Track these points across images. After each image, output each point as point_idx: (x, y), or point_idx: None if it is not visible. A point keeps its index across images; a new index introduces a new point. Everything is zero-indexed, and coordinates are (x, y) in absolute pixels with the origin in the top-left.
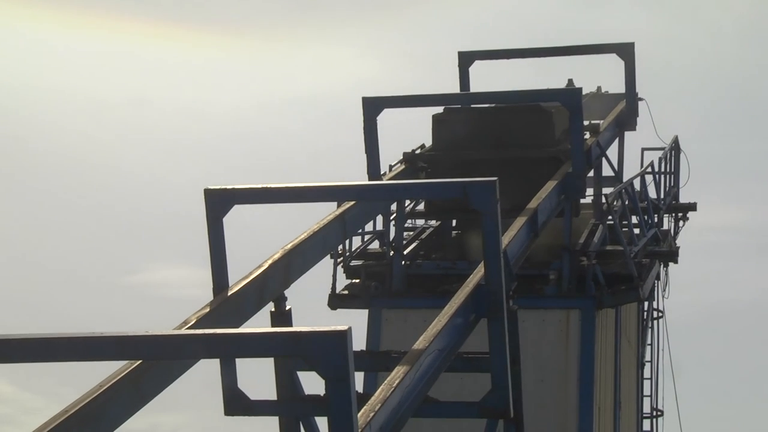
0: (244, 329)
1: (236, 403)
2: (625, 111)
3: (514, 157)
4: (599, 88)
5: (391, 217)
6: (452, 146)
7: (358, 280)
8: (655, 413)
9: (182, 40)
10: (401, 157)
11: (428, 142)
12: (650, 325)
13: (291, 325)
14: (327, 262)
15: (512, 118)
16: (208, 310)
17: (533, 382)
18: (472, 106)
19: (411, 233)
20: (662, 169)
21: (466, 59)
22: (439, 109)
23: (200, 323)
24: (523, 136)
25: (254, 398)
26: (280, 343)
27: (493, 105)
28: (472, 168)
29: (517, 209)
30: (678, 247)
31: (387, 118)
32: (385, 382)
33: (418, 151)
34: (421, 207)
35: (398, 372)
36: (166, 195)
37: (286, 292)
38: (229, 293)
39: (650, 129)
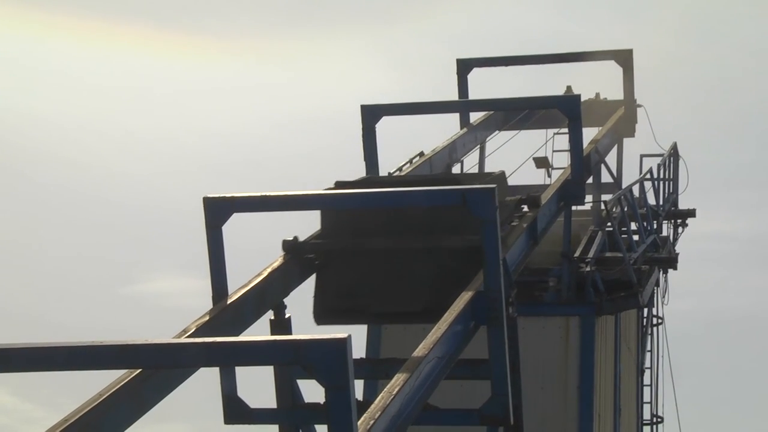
0: (244, 337)
1: (236, 411)
2: (623, 118)
3: (425, 246)
4: (598, 94)
5: None
6: (346, 232)
7: None
8: (655, 420)
9: (182, 51)
10: (283, 247)
11: (427, 149)
12: (650, 332)
13: (290, 333)
14: None
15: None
16: (207, 318)
17: (533, 389)
18: (374, 179)
19: None
20: (661, 176)
21: (464, 66)
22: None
23: (200, 332)
24: (438, 219)
25: (254, 406)
26: (280, 351)
27: (400, 178)
28: (373, 260)
29: (429, 312)
30: (677, 254)
31: (385, 126)
32: (385, 389)
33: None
34: None
35: (398, 380)
36: (166, 205)
37: (286, 300)
38: (229, 301)
39: (649, 136)
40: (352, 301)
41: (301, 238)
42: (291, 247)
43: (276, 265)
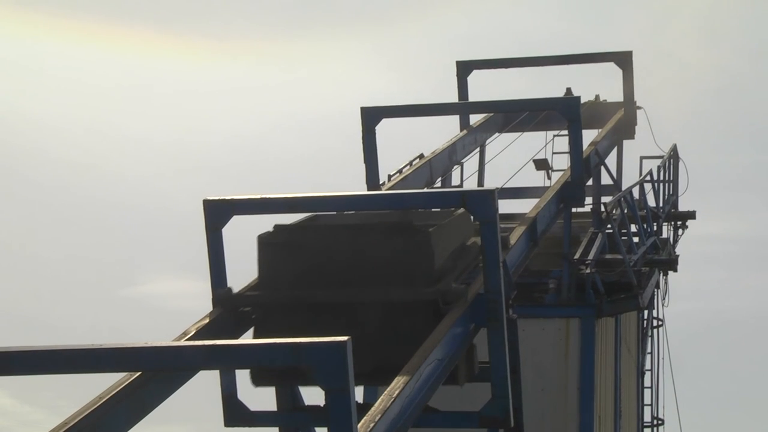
0: (244, 340)
1: (236, 414)
2: (623, 119)
3: (373, 300)
4: (597, 96)
5: None
6: (286, 283)
7: None
8: (655, 422)
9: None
10: (215, 300)
11: (427, 151)
12: (650, 334)
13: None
14: None
15: (372, 242)
16: (207, 320)
17: (533, 391)
18: (318, 224)
19: None
20: (661, 178)
21: (464, 68)
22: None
23: (200, 334)
24: (388, 269)
25: (254, 409)
26: (280, 354)
27: (346, 223)
28: (317, 314)
29: (380, 372)
30: (677, 256)
31: (385, 128)
32: (385, 392)
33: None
34: None
35: (398, 382)
36: (166, 206)
37: None
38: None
39: (649, 137)
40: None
41: (236, 289)
42: (224, 299)
43: (204, 322)
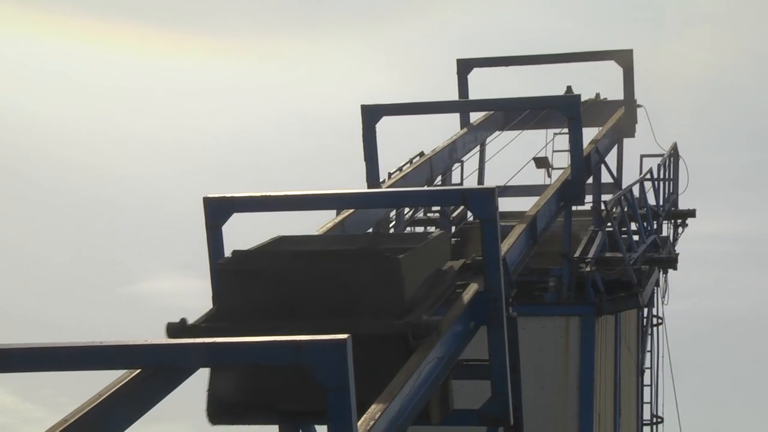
0: (244, 338)
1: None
2: (623, 118)
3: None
4: (598, 95)
5: (391, 225)
6: (245, 313)
7: None
8: (655, 420)
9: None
10: (168, 332)
11: (427, 149)
12: (650, 332)
13: None
14: None
15: (337, 269)
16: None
17: (533, 390)
18: (279, 250)
19: None
20: (661, 176)
21: (464, 67)
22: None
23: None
24: (354, 300)
25: None
26: (280, 352)
27: (310, 248)
28: None
29: None
30: (677, 254)
31: (386, 126)
32: (385, 390)
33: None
34: (420, 215)
35: (398, 380)
36: (166, 204)
37: None
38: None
39: (649, 136)
40: (253, 398)
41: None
42: (177, 331)
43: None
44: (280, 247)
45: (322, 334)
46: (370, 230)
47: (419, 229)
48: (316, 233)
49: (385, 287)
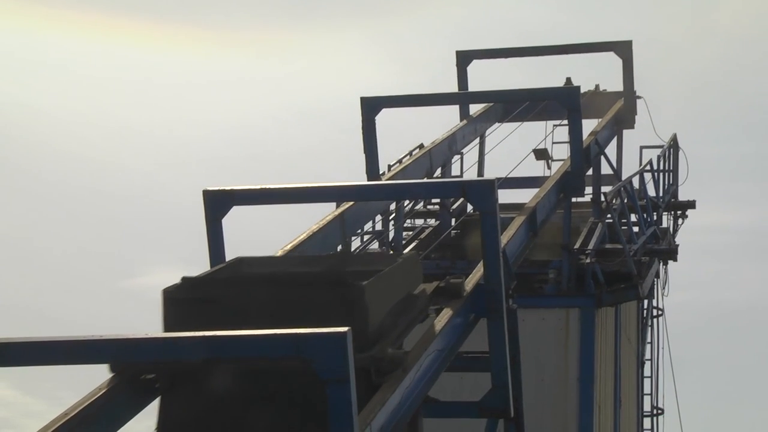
0: (244, 331)
1: None
2: (623, 109)
3: (291, 368)
4: (597, 86)
5: (390, 217)
6: None
7: None
8: (655, 411)
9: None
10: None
11: (427, 141)
12: (650, 324)
13: None
14: None
15: (295, 297)
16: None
17: (533, 381)
18: (233, 276)
19: (410, 233)
20: (661, 167)
21: (464, 58)
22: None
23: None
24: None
25: None
26: (281, 345)
27: (267, 274)
28: (232, 381)
29: None
30: (677, 245)
31: (385, 118)
32: (385, 383)
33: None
34: (420, 207)
35: (398, 374)
36: (166, 198)
37: None
38: None
39: (649, 127)
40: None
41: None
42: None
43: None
44: (237, 270)
45: (274, 369)
46: (339, 248)
47: (418, 222)
48: (279, 254)
49: (347, 317)
